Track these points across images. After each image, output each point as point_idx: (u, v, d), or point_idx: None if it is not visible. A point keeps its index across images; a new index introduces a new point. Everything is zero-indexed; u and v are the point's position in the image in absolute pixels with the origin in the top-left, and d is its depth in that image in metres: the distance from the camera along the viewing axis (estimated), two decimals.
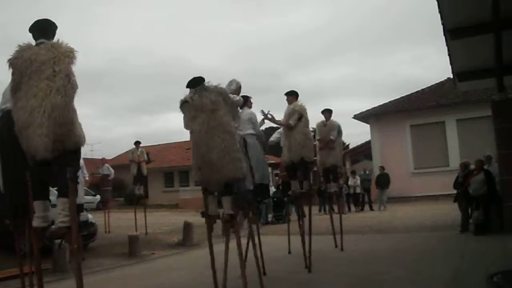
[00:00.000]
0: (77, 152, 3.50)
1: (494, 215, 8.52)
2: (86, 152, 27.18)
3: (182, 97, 4.61)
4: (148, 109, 69.87)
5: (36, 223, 3.45)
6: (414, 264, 6.25)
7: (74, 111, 3.41)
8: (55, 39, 3.61)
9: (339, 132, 7.94)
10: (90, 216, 9.97)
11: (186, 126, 4.66)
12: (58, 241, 4.02)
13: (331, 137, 7.72)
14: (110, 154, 30.79)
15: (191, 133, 4.61)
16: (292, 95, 6.69)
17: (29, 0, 66.46)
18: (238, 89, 5.59)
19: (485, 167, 9.24)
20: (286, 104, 6.69)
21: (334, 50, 71.34)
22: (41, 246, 3.67)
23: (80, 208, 8.97)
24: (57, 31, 3.72)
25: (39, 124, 3.23)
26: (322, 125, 7.98)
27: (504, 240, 7.49)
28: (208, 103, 4.45)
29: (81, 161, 9.47)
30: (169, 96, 68.93)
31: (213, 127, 4.36)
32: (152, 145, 32.12)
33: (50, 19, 3.72)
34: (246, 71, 71.22)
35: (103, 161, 13.58)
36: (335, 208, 9.95)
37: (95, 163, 15.25)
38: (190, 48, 71.50)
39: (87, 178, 9.78)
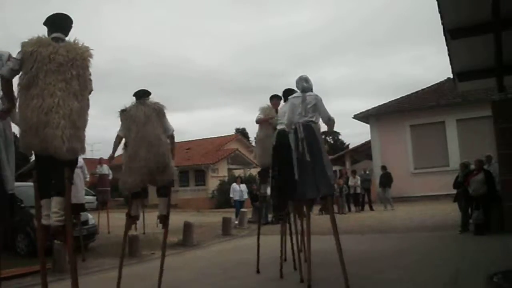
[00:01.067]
0: (78, 157, 3.62)
1: (494, 215, 8.52)
2: (86, 152, 27.12)
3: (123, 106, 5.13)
4: None
5: (46, 221, 3.47)
6: (414, 264, 6.25)
7: (87, 118, 3.51)
8: (69, 37, 3.63)
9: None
10: (90, 216, 9.98)
11: (121, 132, 5.12)
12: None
13: None
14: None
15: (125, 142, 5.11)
16: (278, 99, 6.73)
17: (29, 0, 66.50)
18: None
19: (485, 167, 9.25)
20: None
21: (335, 50, 71.46)
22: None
23: (81, 208, 9.00)
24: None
25: (57, 126, 3.26)
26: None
27: (504, 240, 7.48)
28: (141, 116, 4.92)
29: (81, 161, 9.52)
30: (169, 96, 68.95)
31: (142, 138, 4.84)
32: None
33: (66, 13, 3.69)
34: (247, 71, 71.33)
35: (101, 161, 13.56)
36: (335, 208, 9.94)
37: (94, 163, 15.23)
38: (191, 48, 71.53)
39: (87, 179, 9.76)
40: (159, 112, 5.12)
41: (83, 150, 3.54)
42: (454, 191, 10.03)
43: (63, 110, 3.28)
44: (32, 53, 3.34)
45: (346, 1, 75.17)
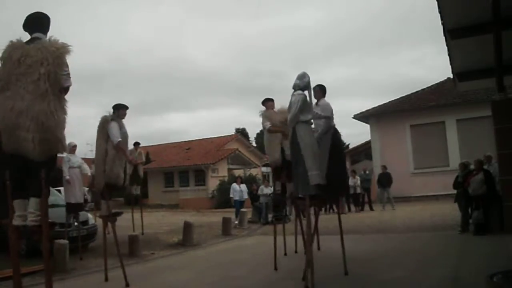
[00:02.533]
0: (55, 157, 3.56)
1: (494, 215, 8.51)
2: (86, 152, 27.09)
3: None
4: (148, 109, 69.83)
5: (16, 222, 3.46)
6: (414, 264, 6.25)
7: (58, 117, 3.42)
8: (48, 35, 3.61)
9: None
10: (90, 216, 9.97)
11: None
12: (62, 241, 4.03)
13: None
14: None
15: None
16: (271, 101, 7.10)
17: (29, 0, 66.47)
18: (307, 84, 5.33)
19: (485, 167, 9.24)
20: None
21: (336, 51, 71.36)
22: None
23: (79, 207, 9.00)
24: (52, 23, 3.71)
25: (27, 129, 3.29)
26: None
27: (504, 240, 7.48)
28: (100, 127, 6.06)
29: (79, 160, 9.50)
30: (169, 97, 69.01)
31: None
32: (152, 145, 32.16)
33: (42, 11, 3.71)
34: (247, 71, 71.31)
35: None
36: (334, 208, 9.94)
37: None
38: (191, 48, 71.50)
39: (89, 174, 9.77)
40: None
41: (58, 149, 3.50)
42: (454, 191, 10.02)
43: (31, 112, 3.31)
44: (5, 58, 3.45)
45: (347, 3, 75.23)
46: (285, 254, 7.66)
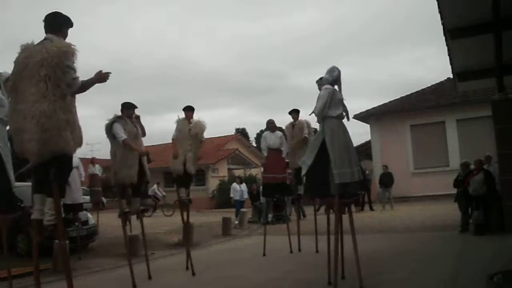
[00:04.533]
0: (63, 157, 3.50)
1: (494, 215, 8.50)
2: (86, 152, 27.07)
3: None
4: (149, 109, 69.74)
5: (35, 215, 3.59)
6: (414, 264, 6.25)
7: (60, 117, 3.40)
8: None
9: (310, 129, 7.85)
10: (90, 216, 9.97)
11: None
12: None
13: (305, 135, 7.68)
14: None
15: None
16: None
17: (30, 0, 66.50)
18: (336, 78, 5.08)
19: (485, 167, 9.23)
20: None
21: (336, 51, 71.34)
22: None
23: (79, 207, 8.98)
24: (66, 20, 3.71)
25: (30, 130, 3.33)
26: (291, 126, 8.03)
27: (504, 240, 7.48)
28: (107, 131, 6.20)
29: (77, 160, 9.50)
30: (170, 97, 68.97)
31: None
32: (152, 145, 32.11)
33: (57, 11, 3.70)
34: (247, 71, 71.30)
35: (93, 160, 13.54)
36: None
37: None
38: (192, 49, 71.49)
39: (83, 179, 9.75)
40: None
41: (63, 150, 3.46)
42: (454, 191, 10.01)
43: (33, 114, 3.34)
44: (15, 61, 3.53)
45: (348, 3, 75.18)
46: (291, 252, 7.67)
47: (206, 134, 7.17)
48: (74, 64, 3.48)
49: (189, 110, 7.05)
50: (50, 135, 3.35)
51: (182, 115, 7.05)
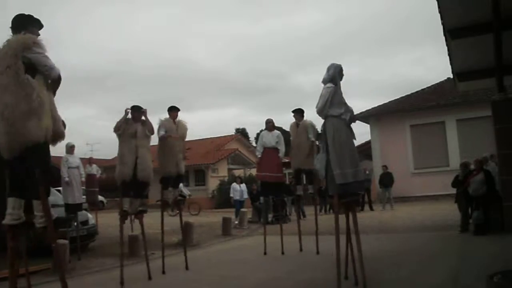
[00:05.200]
0: (37, 150, 3.38)
1: (494, 215, 8.50)
2: (86, 152, 27.08)
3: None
4: (149, 109, 69.81)
5: (6, 219, 3.41)
6: (414, 264, 6.24)
7: (22, 107, 3.34)
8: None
9: (315, 131, 7.68)
10: (90, 216, 9.97)
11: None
12: (62, 241, 4.03)
13: (312, 139, 7.63)
14: (110, 154, 30.74)
15: None
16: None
17: (30, 1, 66.40)
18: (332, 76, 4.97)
19: (485, 167, 9.23)
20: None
21: (336, 51, 71.36)
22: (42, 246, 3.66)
23: (78, 207, 8.98)
24: (28, 19, 3.68)
25: None
26: (295, 125, 7.97)
27: (504, 240, 7.48)
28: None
29: (77, 161, 9.48)
30: (170, 97, 68.91)
31: None
32: (152, 145, 32.08)
33: (22, 13, 3.70)
34: (247, 72, 71.29)
35: (91, 160, 13.53)
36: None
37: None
38: (192, 49, 71.48)
39: (83, 179, 9.74)
40: None
41: (33, 139, 3.33)
42: (454, 191, 10.01)
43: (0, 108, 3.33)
44: None
45: (348, 3, 75.20)
46: (301, 251, 7.73)
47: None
48: (42, 51, 3.47)
49: (174, 110, 7.10)
50: (16, 127, 3.31)
51: (166, 115, 7.07)
